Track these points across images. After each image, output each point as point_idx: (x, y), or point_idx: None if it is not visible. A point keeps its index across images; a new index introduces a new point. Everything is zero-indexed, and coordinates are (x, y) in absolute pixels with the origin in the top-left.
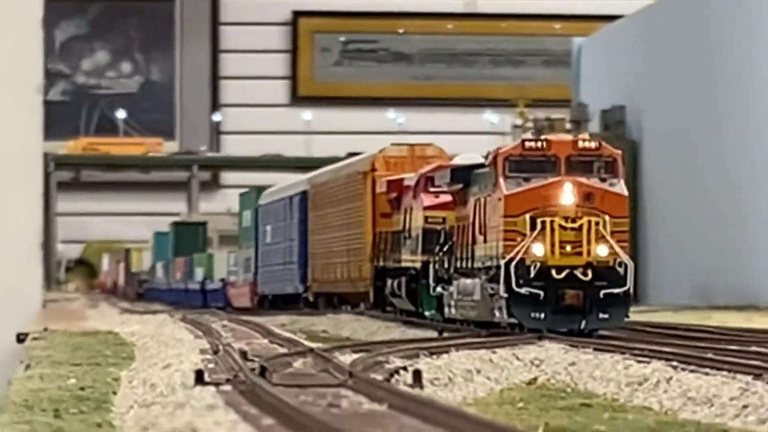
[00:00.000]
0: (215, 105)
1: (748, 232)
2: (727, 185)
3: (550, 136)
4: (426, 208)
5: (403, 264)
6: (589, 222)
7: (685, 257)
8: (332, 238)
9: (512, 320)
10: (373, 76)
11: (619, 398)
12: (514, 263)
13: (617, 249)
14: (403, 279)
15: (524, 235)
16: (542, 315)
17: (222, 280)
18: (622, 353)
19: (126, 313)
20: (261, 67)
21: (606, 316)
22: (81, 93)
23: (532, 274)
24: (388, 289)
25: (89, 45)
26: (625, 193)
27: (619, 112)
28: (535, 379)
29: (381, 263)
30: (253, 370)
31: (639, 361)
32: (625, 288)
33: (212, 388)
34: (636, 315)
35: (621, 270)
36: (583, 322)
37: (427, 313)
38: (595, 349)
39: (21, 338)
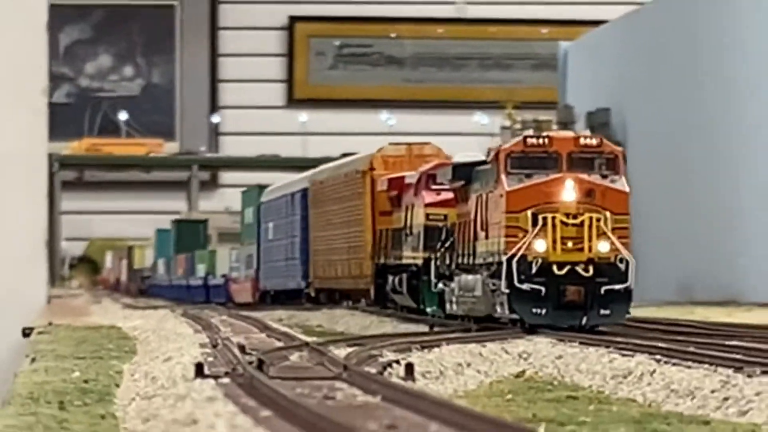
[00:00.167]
0: (214, 107)
1: (730, 231)
2: (710, 186)
3: (552, 133)
4: (428, 205)
5: (405, 261)
6: (591, 218)
7: (669, 255)
8: (333, 236)
9: (514, 316)
10: (367, 79)
11: (604, 390)
12: (515, 259)
13: (618, 245)
14: (404, 276)
15: (526, 231)
16: (544, 311)
17: (224, 276)
18: (607, 347)
19: (128, 308)
20: (258, 70)
21: (607, 312)
22: (84, 95)
23: (534, 270)
24: (389, 285)
25: (93, 49)
26: (626, 189)
27: (604, 114)
28: (523, 372)
29: (381, 260)
30: (251, 363)
31: (623, 355)
32: (626, 284)
33: (212, 381)
34: None
35: (622, 266)
36: (584, 318)
37: (428, 310)
38: (581, 343)
39: (26, 333)
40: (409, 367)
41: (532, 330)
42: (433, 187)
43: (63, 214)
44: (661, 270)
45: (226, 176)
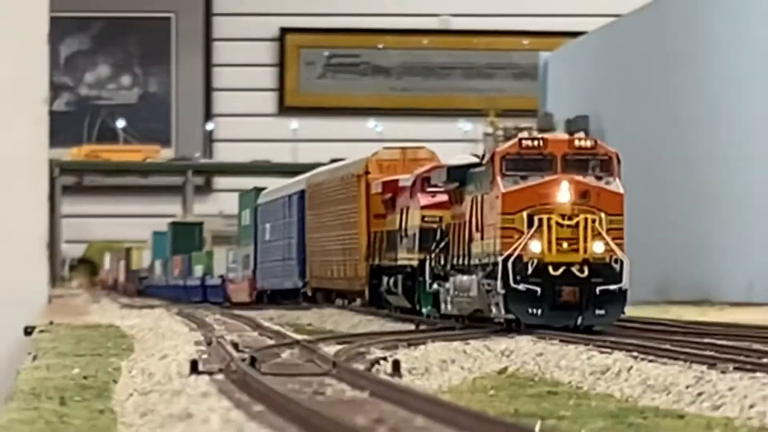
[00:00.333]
0: (208, 115)
1: (703, 234)
2: (684, 191)
3: (547, 135)
4: (423, 208)
5: (400, 262)
6: (586, 219)
7: (646, 257)
8: (329, 238)
9: (509, 316)
10: (355, 88)
11: (583, 386)
12: (511, 260)
13: (613, 246)
14: (400, 277)
15: (521, 232)
16: (539, 311)
17: (221, 276)
18: (586, 344)
19: (126, 308)
20: (251, 79)
21: (602, 312)
22: (84, 104)
23: (530, 271)
24: (384, 286)
25: (92, 59)
26: (621, 190)
27: (582, 122)
28: (506, 368)
29: (376, 262)
30: (243, 360)
31: (602, 352)
32: (621, 284)
33: (206, 377)
34: None
35: (617, 267)
36: (580, 319)
37: (424, 310)
38: (561, 341)
39: (28, 331)
40: (396, 364)
41: (516, 329)
42: (428, 189)
43: (63, 217)
44: (638, 271)
45: (220, 181)
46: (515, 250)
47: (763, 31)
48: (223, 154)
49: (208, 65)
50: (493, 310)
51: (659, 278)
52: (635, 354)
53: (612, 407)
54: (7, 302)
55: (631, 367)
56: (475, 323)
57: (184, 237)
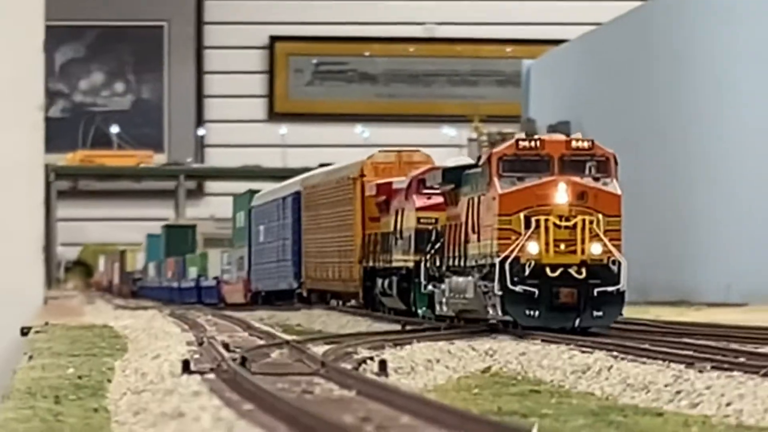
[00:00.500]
0: (200, 121)
1: (682, 236)
2: (663, 195)
3: (544, 136)
4: (419, 209)
5: (395, 264)
6: (583, 221)
7: (626, 259)
8: (324, 240)
9: (507, 318)
10: (342, 95)
11: (564, 385)
12: (508, 261)
13: (611, 247)
14: (394, 278)
15: (519, 233)
16: (537, 313)
17: (216, 278)
18: (568, 344)
19: (120, 309)
20: (241, 86)
21: (600, 313)
22: (79, 110)
23: (527, 272)
24: (378, 288)
25: (86, 67)
26: (618, 191)
27: (564, 127)
28: (489, 367)
29: (370, 264)
30: (234, 360)
31: (583, 351)
32: (619, 286)
33: (198, 377)
34: None
35: (614, 268)
36: (577, 320)
37: (419, 311)
38: (543, 341)
39: (24, 332)
40: (383, 364)
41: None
42: (424, 191)
43: (59, 220)
44: None
45: (211, 185)
46: (512, 251)
47: (744, 39)
48: (215, 159)
49: (200, 72)
50: (490, 311)
51: (639, 279)
52: (615, 353)
53: (593, 405)
54: (3, 303)
55: (611, 366)
56: (466, 325)
57: (178, 240)
